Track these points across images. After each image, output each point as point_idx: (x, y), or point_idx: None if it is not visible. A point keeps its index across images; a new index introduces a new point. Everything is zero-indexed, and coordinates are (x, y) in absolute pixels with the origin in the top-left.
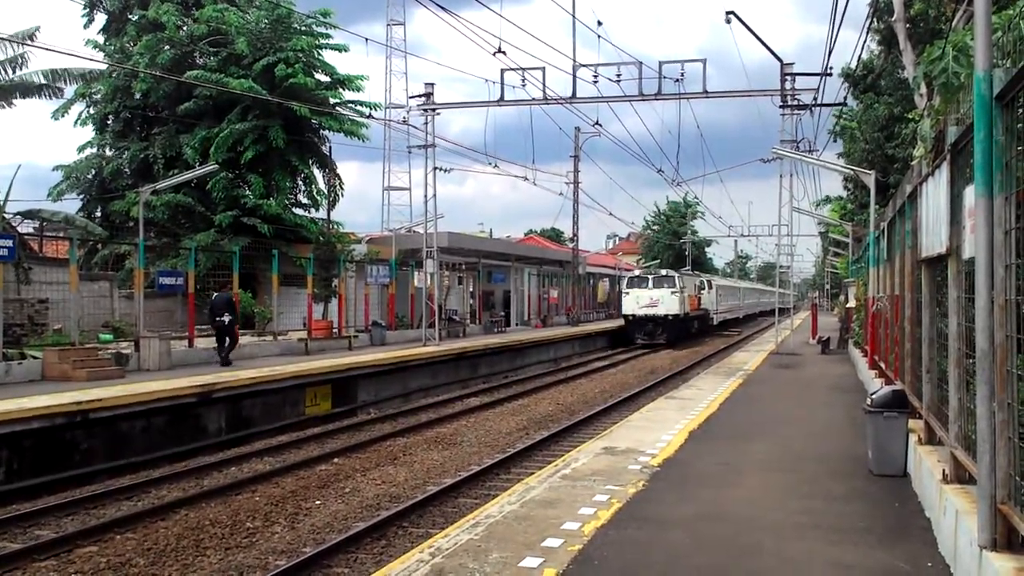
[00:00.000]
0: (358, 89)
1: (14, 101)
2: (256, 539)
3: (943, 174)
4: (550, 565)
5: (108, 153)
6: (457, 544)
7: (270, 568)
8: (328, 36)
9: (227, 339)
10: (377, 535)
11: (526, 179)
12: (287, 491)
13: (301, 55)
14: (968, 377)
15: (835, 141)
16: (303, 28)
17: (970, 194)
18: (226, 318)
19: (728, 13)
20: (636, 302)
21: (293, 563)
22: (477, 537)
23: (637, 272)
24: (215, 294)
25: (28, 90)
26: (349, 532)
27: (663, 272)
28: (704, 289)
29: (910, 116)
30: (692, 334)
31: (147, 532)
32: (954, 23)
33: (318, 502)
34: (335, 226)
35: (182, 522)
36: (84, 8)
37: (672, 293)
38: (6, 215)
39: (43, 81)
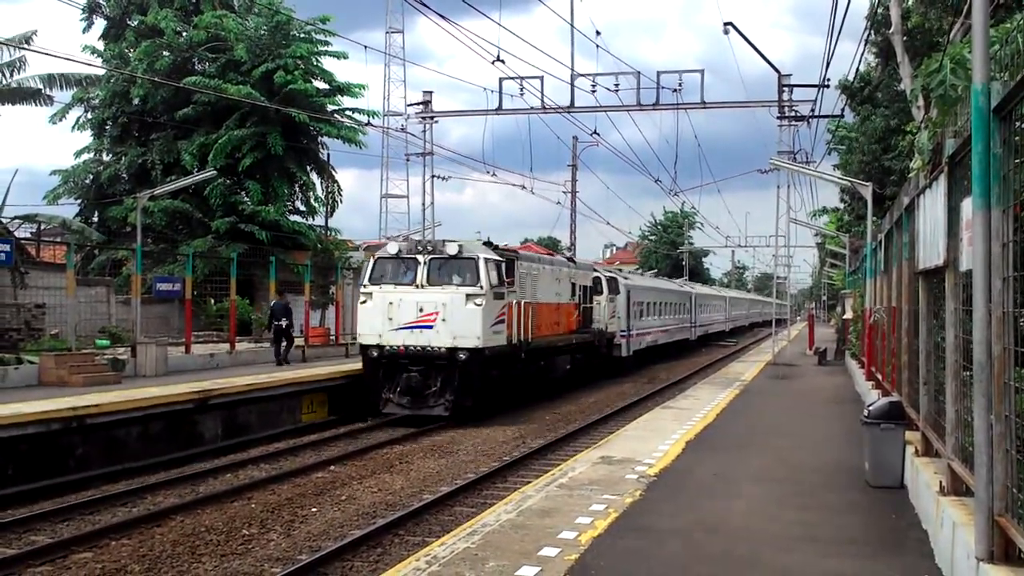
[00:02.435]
0: (356, 97)
1: (2, 108)
2: (252, 546)
3: (940, 186)
4: (547, 574)
5: (106, 158)
6: (454, 552)
7: (266, 575)
8: (327, 43)
9: (284, 341)
10: (373, 543)
11: (524, 188)
12: (283, 498)
13: (300, 62)
14: (965, 389)
15: (829, 154)
16: (302, 35)
17: (967, 206)
18: (284, 322)
19: (726, 24)
20: (387, 316)
21: (289, 570)
22: (474, 546)
23: (392, 248)
24: (274, 301)
25: (18, 96)
26: (345, 540)
27: (448, 250)
28: (601, 293)
29: (907, 128)
30: (553, 383)
31: (143, 538)
32: (951, 36)
33: (314, 509)
34: (333, 233)
35: (178, 528)
36: (83, 13)
37: (472, 298)
38: (3, 219)
39: (39, 86)
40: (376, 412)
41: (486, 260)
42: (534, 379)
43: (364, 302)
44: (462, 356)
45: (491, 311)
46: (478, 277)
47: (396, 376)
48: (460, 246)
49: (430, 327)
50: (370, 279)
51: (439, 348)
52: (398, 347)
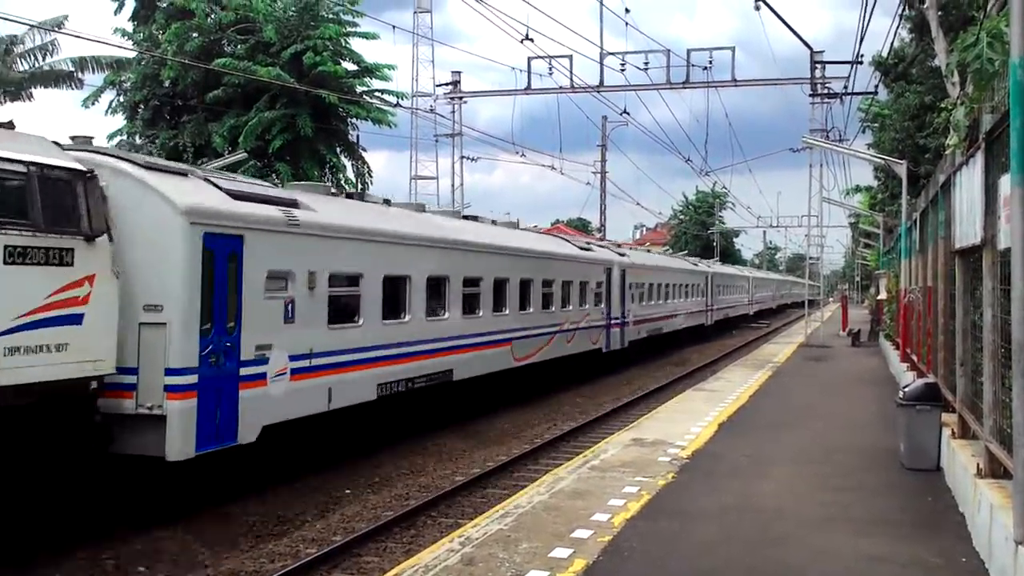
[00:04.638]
0: (385, 78)
1: (34, 91)
2: (287, 528)
3: (977, 163)
4: (580, 556)
5: (138, 141)
6: (487, 534)
7: (301, 556)
8: (356, 24)
9: None
10: (407, 524)
11: (553, 168)
12: (316, 481)
13: (329, 43)
14: (1003, 370)
15: (863, 132)
16: (331, 16)
17: (1006, 183)
18: None
19: (757, 0)
20: None
21: (324, 551)
22: (507, 527)
23: None
24: None
25: (50, 79)
26: (379, 522)
27: None
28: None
29: (942, 105)
30: None
31: (179, 520)
32: (988, 9)
33: (348, 491)
34: None
35: (213, 511)
36: None
37: None
38: None
39: (71, 69)
40: None
41: None
42: None
43: None
44: None
45: None
46: None
47: None
48: None
49: None
50: None
51: None
52: None
